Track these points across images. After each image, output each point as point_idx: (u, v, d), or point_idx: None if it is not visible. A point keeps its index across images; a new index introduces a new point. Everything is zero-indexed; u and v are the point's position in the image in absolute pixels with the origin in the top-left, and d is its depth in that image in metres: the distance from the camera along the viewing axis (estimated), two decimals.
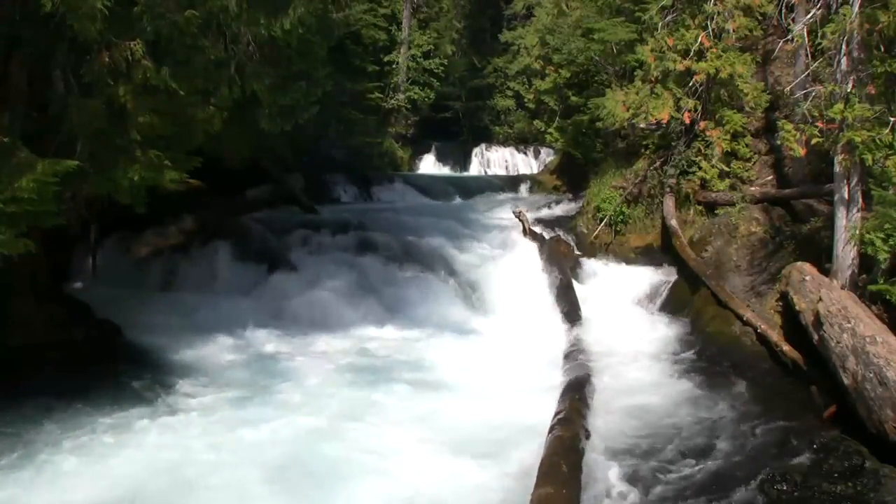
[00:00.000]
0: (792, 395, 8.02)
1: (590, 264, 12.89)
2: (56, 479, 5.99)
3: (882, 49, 7.78)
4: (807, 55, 9.99)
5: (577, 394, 7.51)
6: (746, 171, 12.25)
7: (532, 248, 13.12)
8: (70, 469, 6.15)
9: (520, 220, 14.14)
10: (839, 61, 8.07)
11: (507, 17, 27.77)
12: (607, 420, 7.38)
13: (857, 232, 7.84)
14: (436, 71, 24.61)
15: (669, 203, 12.49)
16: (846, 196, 8.13)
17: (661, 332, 10.47)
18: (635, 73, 13.55)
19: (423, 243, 12.83)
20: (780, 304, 9.11)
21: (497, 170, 24.41)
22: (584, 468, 6.02)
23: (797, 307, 8.16)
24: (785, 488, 5.93)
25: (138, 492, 5.86)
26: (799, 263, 8.69)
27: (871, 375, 6.33)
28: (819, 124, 8.18)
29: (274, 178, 15.53)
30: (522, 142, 25.26)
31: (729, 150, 12.32)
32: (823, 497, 5.84)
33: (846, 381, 6.72)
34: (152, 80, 7.16)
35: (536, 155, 24.40)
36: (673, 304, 11.12)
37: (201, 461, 6.32)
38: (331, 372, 8.75)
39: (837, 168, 8.20)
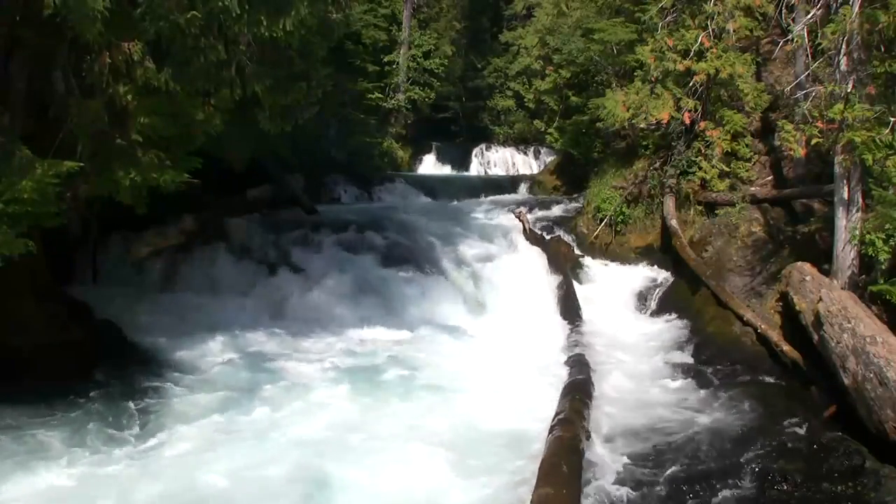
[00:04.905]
0: (792, 395, 8.03)
1: (590, 264, 12.90)
2: (55, 481, 5.97)
3: (882, 49, 7.79)
4: (807, 55, 9.99)
5: (577, 394, 7.51)
6: (746, 171, 12.25)
7: (532, 248, 13.12)
8: (70, 470, 6.14)
9: (520, 220, 14.14)
10: (839, 61, 8.07)
11: (507, 17, 27.74)
12: (607, 420, 7.39)
13: (858, 232, 7.85)
14: (436, 71, 24.56)
15: (669, 203, 12.49)
16: (846, 196, 8.14)
17: (661, 331, 10.49)
18: (635, 74, 13.55)
19: (423, 243, 12.83)
20: (780, 304, 9.12)
21: (497, 170, 24.36)
22: (584, 469, 6.03)
23: (797, 307, 8.17)
24: (785, 488, 5.94)
25: (136, 495, 5.85)
26: (799, 263, 8.70)
27: (871, 375, 6.34)
28: (819, 124, 8.19)
29: (274, 178, 15.50)
30: (522, 142, 25.21)
31: (729, 150, 12.32)
32: (823, 497, 5.84)
33: (846, 381, 6.73)
34: (153, 81, 7.17)
35: (536, 155, 24.33)
36: (673, 305, 11.13)
37: (198, 465, 6.28)
38: (330, 373, 8.75)
39: (837, 168, 8.21)
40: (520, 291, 11.78)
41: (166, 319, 10.02)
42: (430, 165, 24.73)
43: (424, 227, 13.61)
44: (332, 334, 10.28)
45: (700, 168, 12.39)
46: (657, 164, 13.07)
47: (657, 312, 11.24)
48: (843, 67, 8.03)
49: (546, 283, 12.06)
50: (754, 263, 10.54)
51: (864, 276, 8.05)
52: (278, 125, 8.97)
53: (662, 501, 5.90)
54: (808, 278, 8.25)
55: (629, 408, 7.81)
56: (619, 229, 13.35)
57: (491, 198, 18.59)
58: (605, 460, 6.44)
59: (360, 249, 12.28)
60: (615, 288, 12.14)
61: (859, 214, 7.98)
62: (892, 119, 7.42)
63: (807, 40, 9.44)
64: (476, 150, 25.03)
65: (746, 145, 12.48)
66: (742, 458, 6.46)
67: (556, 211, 15.79)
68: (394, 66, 23.67)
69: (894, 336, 6.63)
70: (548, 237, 13.65)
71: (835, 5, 8.44)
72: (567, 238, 13.79)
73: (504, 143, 25.67)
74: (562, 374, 8.40)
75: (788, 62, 12.53)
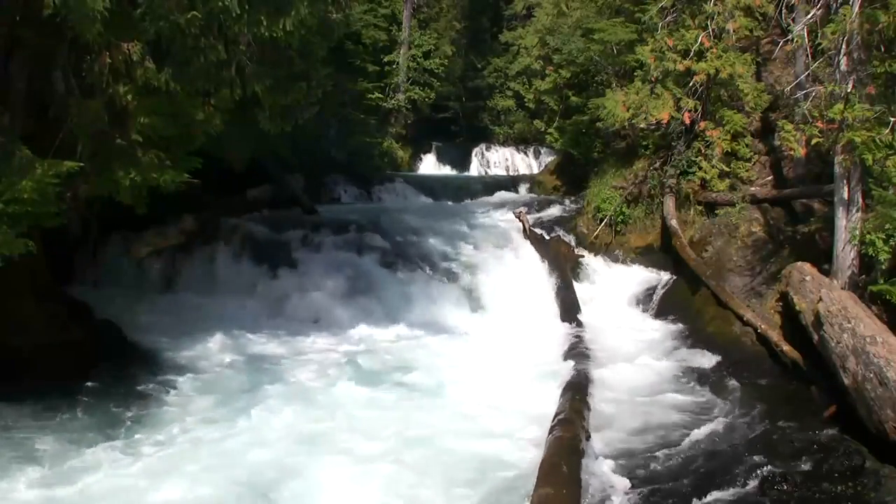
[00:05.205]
0: (792, 395, 8.03)
1: (590, 264, 12.89)
2: (54, 482, 5.96)
3: (882, 49, 7.79)
4: (807, 55, 9.99)
5: (577, 394, 7.51)
6: (746, 171, 12.25)
7: (532, 248, 13.12)
8: (69, 472, 6.13)
9: (520, 220, 14.14)
10: (839, 61, 8.07)
11: (507, 17, 27.74)
12: (607, 420, 7.39)
13: (858, 232, 7.84)
14: (436, 71, 24.58)
15: (669, 203, 12.49)
16: (846, 196, 8.13)
17: (661, 332, 10.49)
18: (635, 74, 13.55)
19: (423, 244, 12.84)
20: (780, 304, 9.12)
21: (497, 170, 24.38)
22: (584, 469, 6.02)
23: (797, 307, 8.16)
24: (785, 488, 5.93)
25: (132, 496, 5.84)
26: (799, 263, 8.70)
27: (871, 375, 6.34)
28: (819, 124, 8.18)
29: (274, 178, 15.52)
30: (522, 142, 25.22)
31: (729, 150, 12.31)
32: (823, 497, 5.84)
33: (846, 381, 6.73)
34: (153, 81, 7.17)
35: (536, 155, 24.36)
36: (673, 305, 11.13)
37: (196, 467, 6.25)
38: (328, 373, 8.73)
39: (837, 168, 8.20)
40: (519, 292, 11.77)
41: (166, 319, 10.03)
42: (430, 165, 24.76)
43: (424, 227, 13.61)
44: (331, 335, 10.28)
45: (700, 168, 12.39)
46: (657, 164, 13.07)
47: (657, 312, 11.24)
48: (843, 67, 8.02)
49: (546, 283, 12.06)
50: (754, 263, 10.54)
51: (864, 276, 8.05)
52: (278, 125, 8.98)
53: (661, 500, 5.90)
54: (808, 278, 8.25)
55: (628, 407, 7.80)
56: (619, 229, 13.35)
57: (491, 198, 18.60)
58: (604, 459, 6.43)
59: (360, 249, 12.28)
60: (615, 288, 12.14)
61: (859, 214, 7.98)
62: (892, 119, 7.41)
63: (807, 40, 9.43)
64: (476, 150, 25.06)
65: (746, 145, 12.48)
66: (742, 458, 6.45)
67: (556, 211, 15.79)
68: (394, 66, 23.69)
69: (894, 336, 6.63)
70: (548, 237, 13.65)
71: (835, 5, 8.43)
72: (567, 238, 13.78)
73: (504, 143, 25.68)
74: (559, 380, 8.37)
75: (788, 62, 12.53)
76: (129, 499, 5.79)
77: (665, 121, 12.34)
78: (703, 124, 12.29)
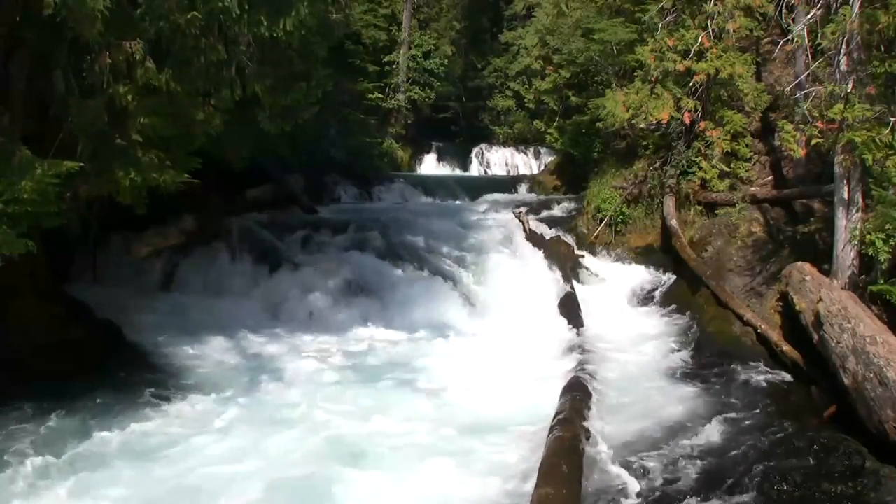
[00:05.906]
0: (792, 395, 8.02)
1: (590, 264, 12.89)
2: (53, 483, 5.95)
3: (882, 49, 7.79)
4: (807, 55, 9.98)
5: (577, 394, 7.51)
6: (746, 171, 12.25)
7: (532, 248, 13.12)
8: (67, 472, 6.12)
9: (520, 220, 14.13)
10: (839, 61, 8.06)
11: (507, 17, 27.77)
12: (607, 420, 7.38)
13: (858, 232, 7.84)
14: (436, 71, 24.61)
15: (669, 203, 12.49)
16: (846, 196, 8.13)
17: (661, 331, 10.48)
18: (635, 74, 13.54)
19: (423, 244, 12.84)
20: (780, 304, 9.12)
21: (497, 170, 24.40)
22: (585, 469, 6.02)
23: (797, 307, 8.17)
24: (785, 488, 5.93)
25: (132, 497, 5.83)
26: (799, 263, 8.70)
27: (871, 375, 6.34)
28: (819, 124, 8.18)
29: (274, 178, 15.53)
30: (522, 142, 25.22)
31: (729, 150, 12.31)
32: (823, 497, 5.84)
33: (846, 381, 6.73)
34: (153, 81, 7.18)
35: (536, 155, 24.37)
36: (673, 304, 11.11)
37: (196, 466, 6.26)
38: (328, 374, 8.73)
39: (837, 168, 8.20)
40: (519, 292, 11.77)
41: (166, 319, 10.03)
42: (430, 165, 24.77)
43: (424, 227, 13.61)
44: (331, 335, 10.26)
45: (700, 168, 12.39)
46: (657, 164, 13.07)
47: (657, 312, 11.23)
48: (843, 67, 8.02)
49: (546, 283, 12.05)
50: (754, 263, 10.54)
51: (864, 276, 8.04)
52: (278, 125, 8.99)
53: (659, 499, 5.90)
54: (808, 278, 8.25)
55: (628, 407, 7.80)
56: (619, 229, 13.36)
57: (491, 198, 18.60)
58: (604, 459, 6.43)
59: (360, 250, 12.28)
60: (615, 288, 12.13)
61: (859, 214, 7.98)
62: (892, 119, 7.41)
63: (807, 40, 9.43)
64: (476, 150, 25.08)
65: (746, 145, 12.47)
66: (742, 458, 6.45)
67: (556, 211, 15.80)
68: (394, 66, 23.71)
69: (894, 336, 6.63)
70: (548, 237, 13.64)
71: (835, 5, 8.43)
72: (567, 238, 13.78)
73: (504, 143, 25.70)
74: (561, 375, 8.38)
75: (788, 62, 12.53)
76: None
77: (665, 121, 12.34)
78: (703, 124, 12.29)
